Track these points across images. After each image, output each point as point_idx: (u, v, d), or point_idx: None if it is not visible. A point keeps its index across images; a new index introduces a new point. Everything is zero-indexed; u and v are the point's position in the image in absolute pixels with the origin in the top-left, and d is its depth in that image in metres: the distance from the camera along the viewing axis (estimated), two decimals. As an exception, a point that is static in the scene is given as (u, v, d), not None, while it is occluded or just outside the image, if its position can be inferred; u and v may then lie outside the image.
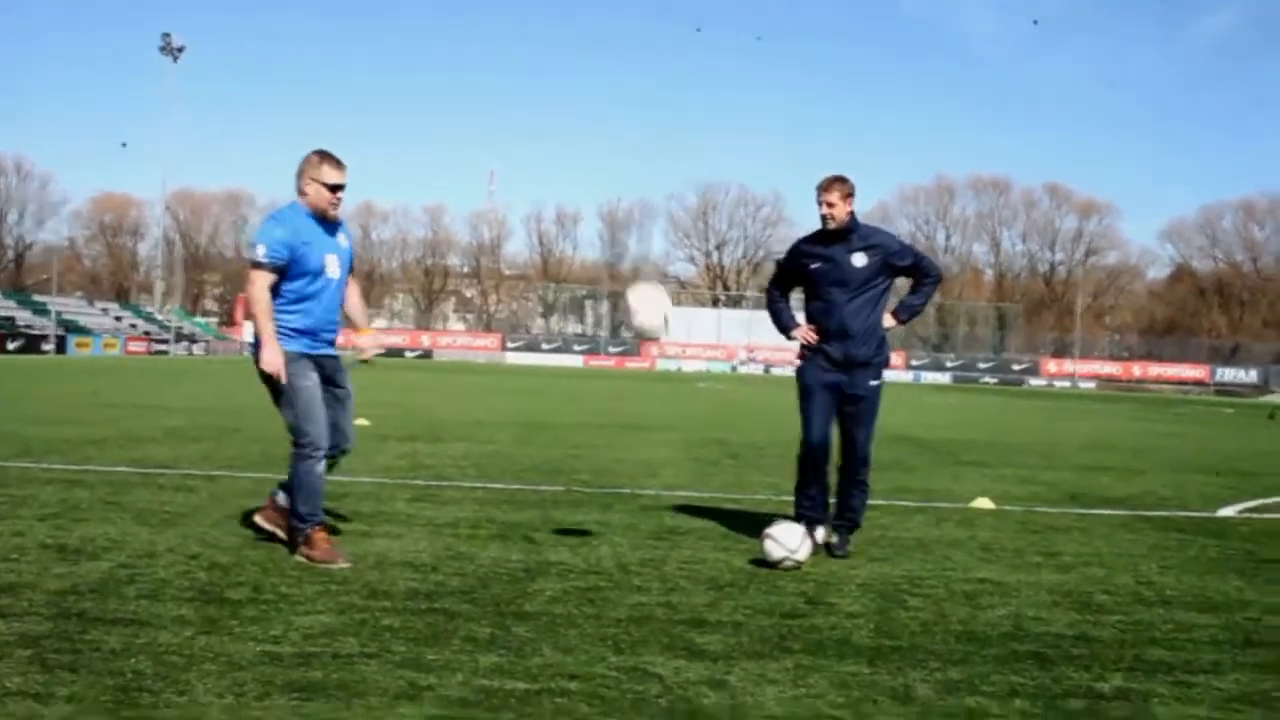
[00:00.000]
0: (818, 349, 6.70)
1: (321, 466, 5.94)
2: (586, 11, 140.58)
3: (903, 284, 7.16)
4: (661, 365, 73.11)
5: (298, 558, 5.80)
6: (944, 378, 68.99)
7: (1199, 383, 74.35)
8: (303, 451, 5.88)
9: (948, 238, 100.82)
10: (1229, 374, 75.82)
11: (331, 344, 6.11)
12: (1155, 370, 76.07)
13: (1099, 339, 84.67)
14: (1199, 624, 5.30)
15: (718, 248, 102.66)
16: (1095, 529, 8.24)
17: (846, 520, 6.75)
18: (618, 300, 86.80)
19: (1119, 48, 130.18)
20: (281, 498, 6.14)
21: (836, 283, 6.62)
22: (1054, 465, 13.47)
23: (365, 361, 6.51)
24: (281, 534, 6.10)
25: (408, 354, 78.00)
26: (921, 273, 6.85)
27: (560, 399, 26.80)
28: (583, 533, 7.03)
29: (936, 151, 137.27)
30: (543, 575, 5.74)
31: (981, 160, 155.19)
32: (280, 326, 5.87)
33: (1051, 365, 74.83)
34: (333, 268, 6.00)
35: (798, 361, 6.88)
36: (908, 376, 62.79)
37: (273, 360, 5.78)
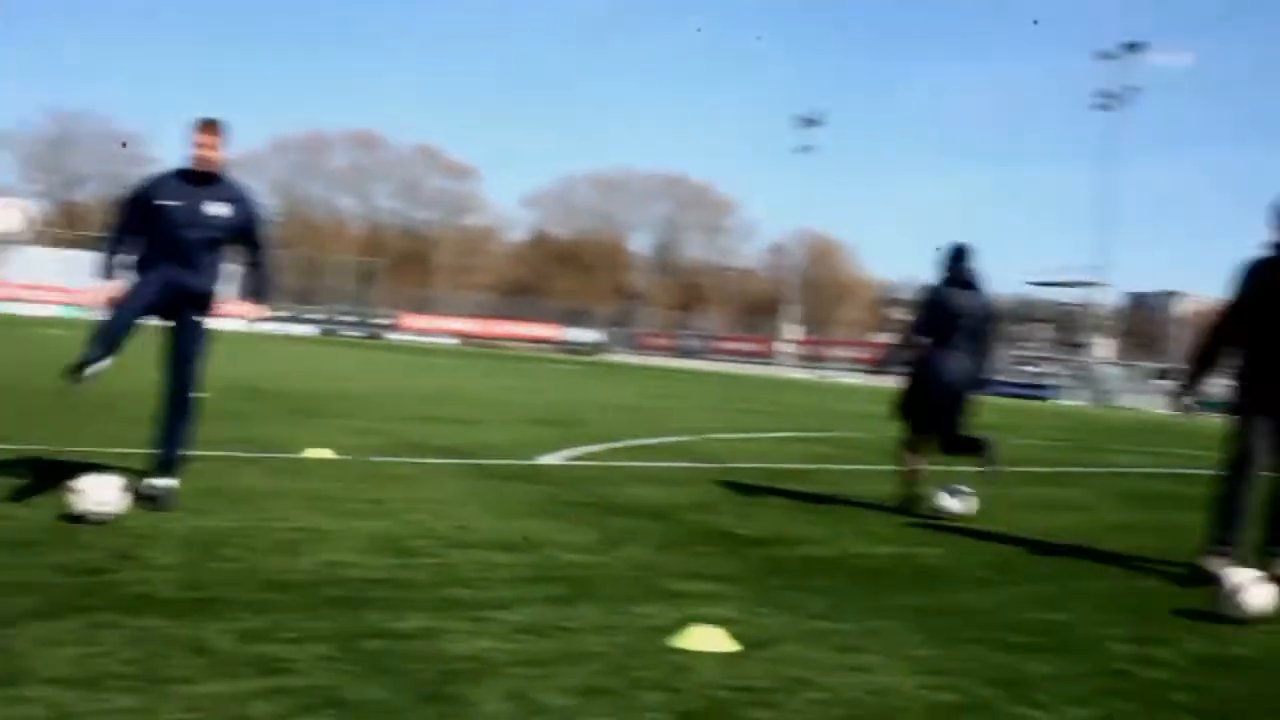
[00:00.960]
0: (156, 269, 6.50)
1: None
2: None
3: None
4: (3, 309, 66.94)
5: None
6: (307, 330, 68.64)
7: (550, 341, 79.22)
8: None
9: (318, 189, 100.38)
10: (576, 334, 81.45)
11: None
12: (511, 329, 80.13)
13: (461, 297, 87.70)
14: (502, 563, 5.66)
15: (72, 183, 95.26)
16: (426, 477, 8.55)
17: (166, 464, 6.54)
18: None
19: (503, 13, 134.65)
20: None
21: (189, 225, 6.47)
22: (399, 416, 13.81)
23: None
24: None
25: None
26: (259, 247, 6.86)
27: None
28: None
29: (310, 102, 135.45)
30: None
31: (356, 115, 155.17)
32: None
33: (413, 320, 76.71)
34: None
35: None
36: (270, 327, 61.93)
37: None
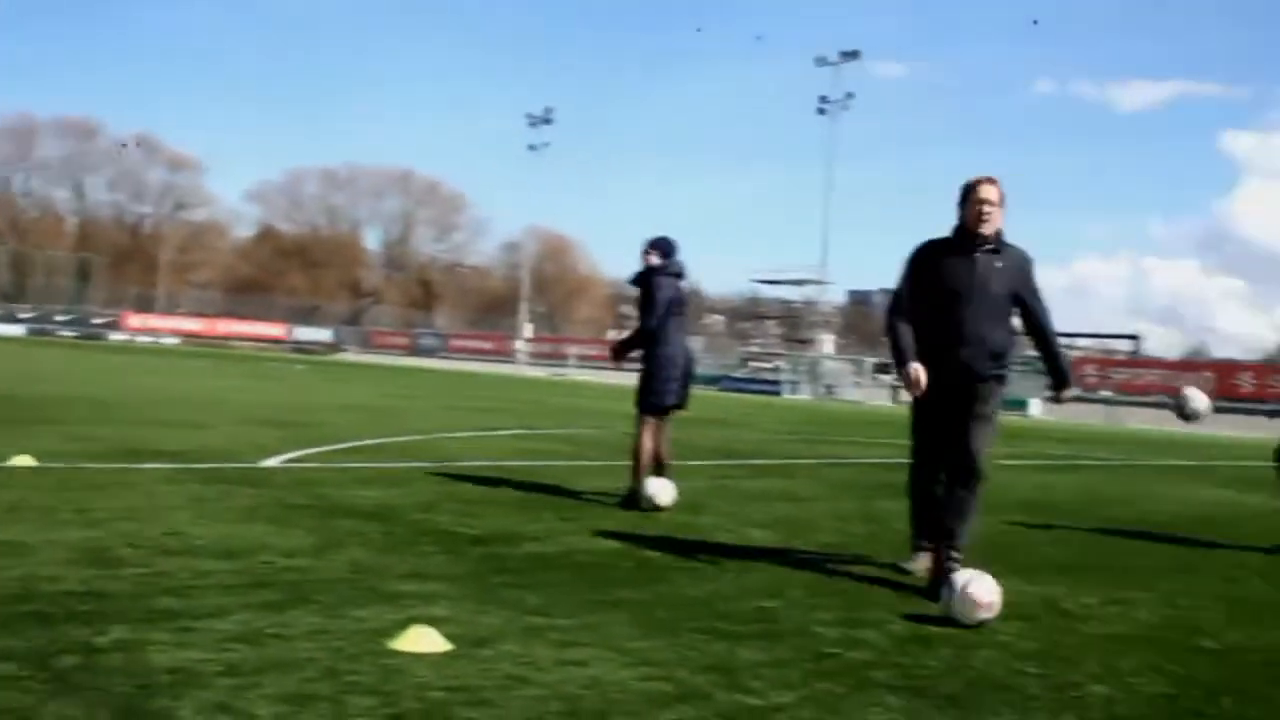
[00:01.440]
0: None
1: None
2: None
3: None
4: None
5: None
6: (17, 329, 64.85)
7: (278, 340, 77.17)
8: None
9: (27, 180, 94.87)
10: (307, 333, 79.62)
11: None
12: (238, 328, 77.69)
13: (184, 294, 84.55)
14: (216, 570, 5.48)
15: None
16: (139, 483, 8.21)
17: None
18: None
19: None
20: None
21: None
22: (113, 420, 13.22)
23: None
24: None
25: None
26: None
27: None
28: None
29: (19, 87, 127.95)
30: None
31: (69, 101, 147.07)
32: None
33: (134, 320, 73.50)
34: None
35: None
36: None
37: None
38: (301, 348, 74.30)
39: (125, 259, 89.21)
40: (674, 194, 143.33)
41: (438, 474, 9.96)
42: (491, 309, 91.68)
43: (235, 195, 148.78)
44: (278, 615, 4.69)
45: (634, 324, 9.27)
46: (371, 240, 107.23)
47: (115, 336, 69.63)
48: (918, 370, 6.26)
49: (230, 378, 28.24)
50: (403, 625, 4.48)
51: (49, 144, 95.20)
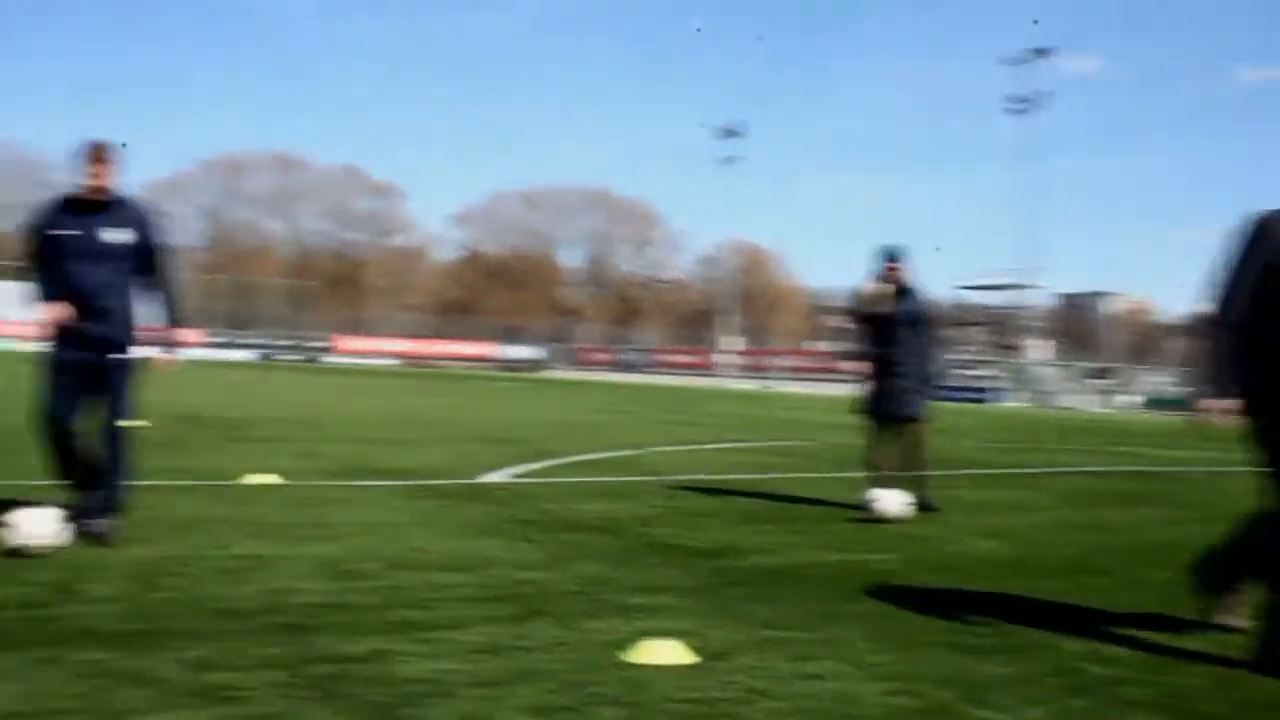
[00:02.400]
0: (67, 327, 6.22)
1: None
2: None
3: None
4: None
5: None
6: (244, 355, 67.97)
7: (488, 359, 78.95)
8: None
9: (244, 213, 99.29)
10: (515, 351, 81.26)
11: None
12: (446, 348, 79.78)
13: (395, 318, 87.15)
14: (452, 583, 5.60)
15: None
16: (369, 500, 8.47)
17: (108, 502, 6.37)
18: None
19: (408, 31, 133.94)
20: None
21: (85, 254, 6.21)
22: (340, 439, 13.69)
23: None
24: None
25: None
26: (161, 271, 6.52)
27: None
28: None
29: (230, 125, 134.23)
30: None
31: (277, 137, 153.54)
32: None
33: (347, 343, 76.19)
34: None
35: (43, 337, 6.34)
36: (204, 354, 61.22)
37: None
38: (510, 365, 75.86)
39: (336, 285, 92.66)
40: (864, 199, 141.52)
41: (657, 488, 10.02)
42: (691, 323, 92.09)
43: (437, 220, 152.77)
44: (517, 627, 4.75)
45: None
46: (571, 258, 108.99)
47: (331, 359, 72.30)
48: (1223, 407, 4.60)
49: (443, 396, 28.99)
50: (638, 637, 4.49)
51: (259, 178, 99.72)
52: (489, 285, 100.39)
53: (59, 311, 6.21)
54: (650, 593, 5.56)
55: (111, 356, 6.30)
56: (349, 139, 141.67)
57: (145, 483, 6.78)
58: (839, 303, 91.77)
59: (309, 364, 64.23)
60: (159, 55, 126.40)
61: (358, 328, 79.96)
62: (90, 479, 6.36)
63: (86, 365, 6.25)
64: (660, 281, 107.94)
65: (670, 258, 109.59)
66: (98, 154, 6.22)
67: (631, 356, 79.88)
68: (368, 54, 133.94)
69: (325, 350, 74.47)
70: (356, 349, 75.65)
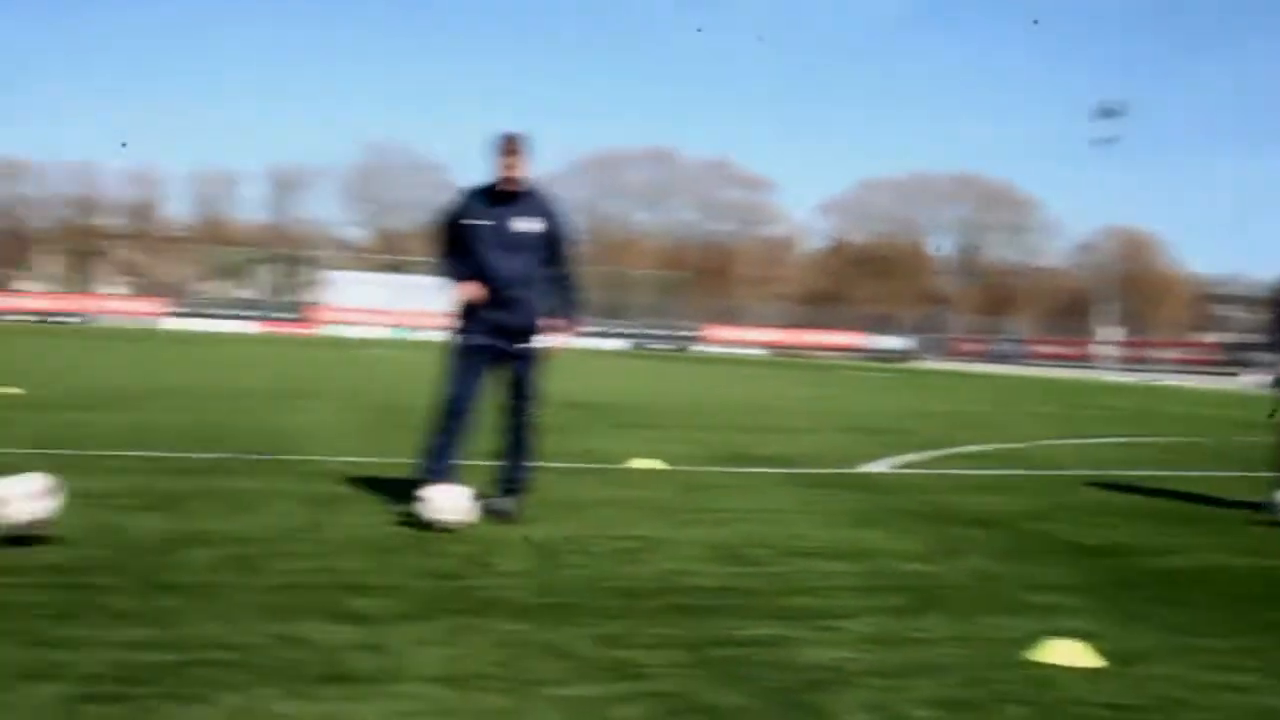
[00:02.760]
0: (477, 313, 6.56)
1: None
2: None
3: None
4: (333, 332, 71.40)
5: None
6: (617, 344, 70.36)
7: (857, 349, 78.46)
8: None
9: (616, 207, 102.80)
10: (884, 341, 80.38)
11: None
12: (814, 338, 79.77)
13: (764, 307, 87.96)
14: (840, 571, 5.59)
15: (387, 211, 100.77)
16: (752, 486, 8.57)
17: (512, 483, 6.72)
18: (285, 263, 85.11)
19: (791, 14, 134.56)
20: None
21: (499, 243, 6.51)
22: (717, 426, 13.93)
23: None
24: None
25: (59, 319, 73.03)
26: (565, 261, 6.74)
27: (223, 365, 25.74)
28: (241, 500, 6.77)
29: (606, 121, 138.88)
30: (196, 544, 5.48)
31: (649, 132, 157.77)
32: None
33: (718, 332, 77.46)
34: None
35: (453, 323, 6.69)
36: (582, 342, 63.93)
37: None
38: (880, 355, 75.14)
39: (705, 275, 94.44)
40: (1260, 181, 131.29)
41: (1043, 482, 9.67)
42: (1065, 313, 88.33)
43: (804, 210, 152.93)
44: (913, 620, 4.69)
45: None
46: (940, 246, 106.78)
47: (701, 348, 73.75)
48: None
49: (813, 386, 29.02)
50: (1039, 636, 4.34)
51: (634, 172, 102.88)
52: (857, 274, 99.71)
53: (473, 291, 6.52)
54: (1045, 591, 5.36)
55: (519, 346, 6.63)
56: (720, 132, 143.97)
57: (538, 464, 7.06)
58: (1234, 291, 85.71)
59: (679, 353, 65.74)
60: (544, 56, 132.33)
61: (727, 317, 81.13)
62: (505, 459, 6.69)
63: (495, 352, 6.60)
64: (1035, 270, 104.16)
65: (1043, 244, 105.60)
66: (511, 145, 6.46)
67: (1005, 347, 77.32)
68: (736, 50, 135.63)
69: (695, 339, 75.99)
70: (726, 338, 76.80)
